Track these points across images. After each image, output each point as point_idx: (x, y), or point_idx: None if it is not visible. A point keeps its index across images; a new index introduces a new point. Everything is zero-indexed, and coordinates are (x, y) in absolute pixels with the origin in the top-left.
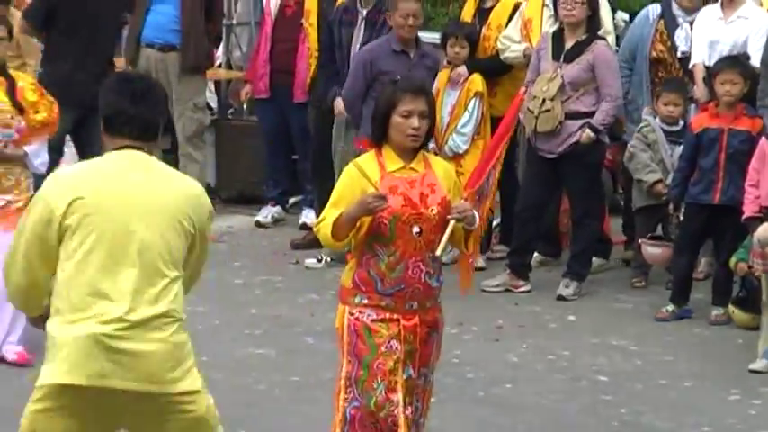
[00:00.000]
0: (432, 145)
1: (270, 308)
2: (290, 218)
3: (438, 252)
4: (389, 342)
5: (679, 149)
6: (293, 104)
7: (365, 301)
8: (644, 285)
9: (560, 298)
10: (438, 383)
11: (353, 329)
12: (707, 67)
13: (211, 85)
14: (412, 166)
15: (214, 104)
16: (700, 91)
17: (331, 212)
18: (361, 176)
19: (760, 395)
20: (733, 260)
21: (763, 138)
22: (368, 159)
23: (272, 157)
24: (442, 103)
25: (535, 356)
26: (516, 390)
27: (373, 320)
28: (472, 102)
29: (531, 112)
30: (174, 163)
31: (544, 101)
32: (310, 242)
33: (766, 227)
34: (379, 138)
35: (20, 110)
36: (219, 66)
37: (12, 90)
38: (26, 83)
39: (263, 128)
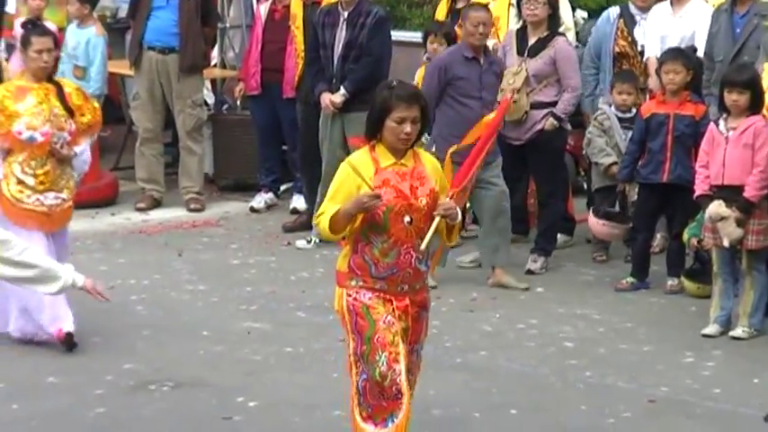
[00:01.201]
0: None
1: (264, 285)
2: (281, 203)
3: (423, 246)
4: (386, 317)
5: None
6: (283, 100)
7: (360, 284)
8: (605, 259)
9: (529, 272)
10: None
11: (353, 309)
12: None
13: (208, 84)
14: (403, 161)
15: (211, 101)
16: (653, 82)
17: (329, 207)
18: (355, 175)
19: (712, 357)
20: (686, 235)
21: (712, 122)
22: (362, 156)
23: (264, 148)
24: None
25: (507, 326)
26: (490, 356)
27: (370, 299)
28: None
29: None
30: (176, 155)
31: (511, 93)
32: (301, 225)
33: (716, 204)
34: (373, 136)
35: (70, 113)
36: (215, 65)
37: (61, 95)
38: (72, 88)
39: (256, 122)
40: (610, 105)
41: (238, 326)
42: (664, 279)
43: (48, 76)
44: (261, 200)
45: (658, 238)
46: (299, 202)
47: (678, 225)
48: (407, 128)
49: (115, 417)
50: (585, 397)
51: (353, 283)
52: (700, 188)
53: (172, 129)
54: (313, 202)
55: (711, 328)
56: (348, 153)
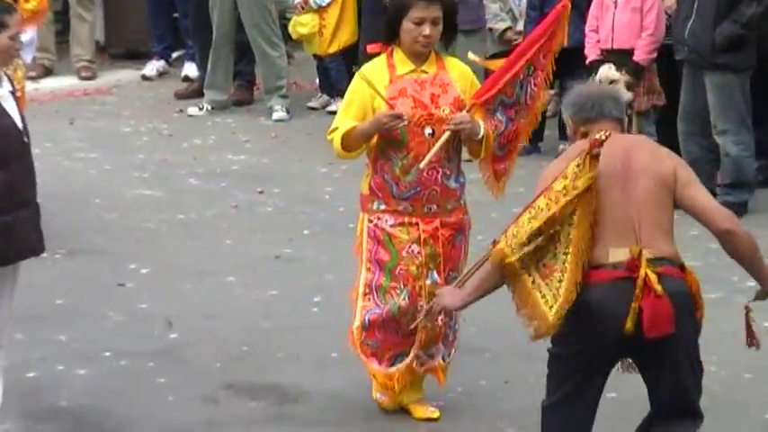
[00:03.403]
0: (297, 0)
1: (157, 153)
2: (173, 71)
3: (422, 164)
4: (410, 247)
5: None
6: None
7: (383, 207)
8: None
9: None
10: (312, 217)
11: (374, 236)
12: None
13: None
14: (423, 68)
15: None
16: None
17: (343, 121)
18: (368, 87)
19: None
20: None
21: None
22: (377, 64)
23: (155, 16)
24: None
25: None
26: None
27: (392, 226)
28: None
29: None
30: (67, 23)
31: None
32: (192, 92)
33: (606, 68)
34: (390, 39)
35: None
36: None
37: None
38: None
39: None
40: None
41: (131, 193)
42: (556, 143)
43: None
44: (152, 67)
45: (552, 103)
46: (190, 69)
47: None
48: (426, 29)
49: None
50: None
51: (375, 206)
52: (592, 53)
53: None
54: (204, 68)
55: None
56: (239, 21)
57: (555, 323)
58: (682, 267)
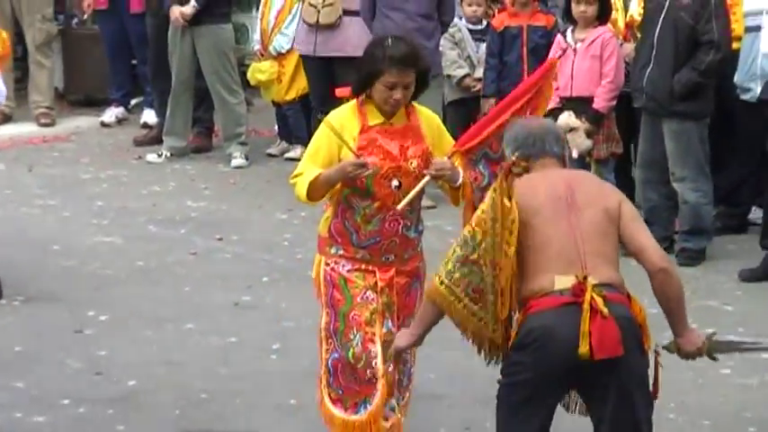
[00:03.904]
0: (258, 47)
1: (116, 199)
2: (132, 117)
3: (400, 206)
4: (365, 293)
5: (484, 46)
6: (130, 15)
7: (341, 252)
8: None
9: None
10: (271, 264)
11: (330, 280)
12: None
13: None
14: (392, 121)
15: (60, 15)
16: None
17: (308, 168)
18: (335, 136)
19: None
20: None
21: (559, 34)
22: (346, 113)
23: (114, 63)
24: (270, 8)
25: None
26: None
27: (349, 271)
28: (296, 5)
29: (314, 6)
30: (26, 70)
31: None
32: (151, 139)
33: (566, 115)
34: (362, 93)
35: None
36: None
37: None
38: None
39: (104, 36)
40: (460, 18)
41: (89, 240)
42: None
43: None
44: (111, 114)
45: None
46: (149, 116)
47: None
48: (398, 94)
49: None
50: None
51: (333, 251)
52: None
53: (21, 43)
54: (163, 115)
55: None
56: (198, 68)
57: (501, 343)
58: (628, 296)
